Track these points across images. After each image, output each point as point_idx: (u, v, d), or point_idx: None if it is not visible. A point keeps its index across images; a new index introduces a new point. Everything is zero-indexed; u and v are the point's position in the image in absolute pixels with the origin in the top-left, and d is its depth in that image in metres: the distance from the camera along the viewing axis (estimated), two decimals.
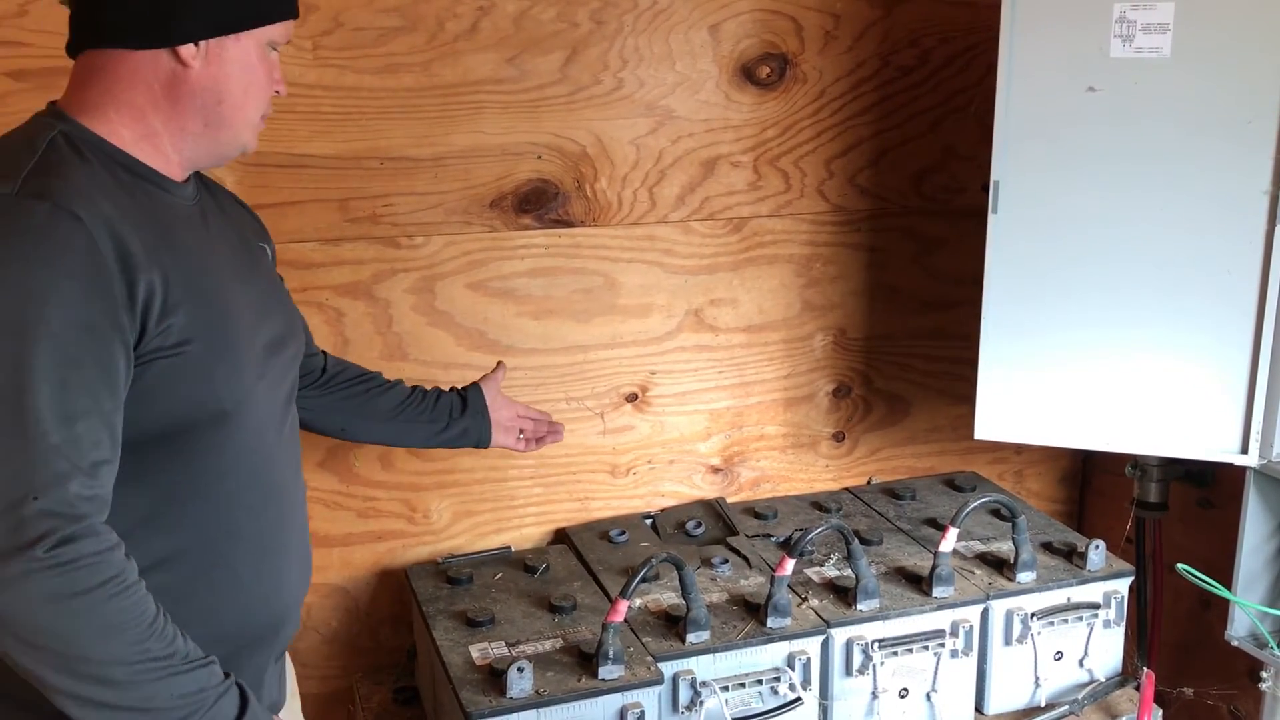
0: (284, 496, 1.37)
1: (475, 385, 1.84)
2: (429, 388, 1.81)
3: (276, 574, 1.35)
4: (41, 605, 1.07)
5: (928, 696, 1.85)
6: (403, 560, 2.09)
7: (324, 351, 1.75)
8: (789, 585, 1.79)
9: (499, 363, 1.91)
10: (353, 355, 1.97)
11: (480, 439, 1.81)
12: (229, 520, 1.28)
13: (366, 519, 2.06)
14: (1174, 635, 2.26)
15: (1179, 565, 1.83)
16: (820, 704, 1.80)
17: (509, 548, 2.08)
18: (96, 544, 1.11)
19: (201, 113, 1.25)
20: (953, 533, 1.85)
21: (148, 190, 1.24)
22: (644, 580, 1.70)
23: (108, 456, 1.13)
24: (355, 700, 2.02)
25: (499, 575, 1.95)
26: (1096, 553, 1.93)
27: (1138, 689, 1.94)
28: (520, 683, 1.58)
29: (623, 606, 1.63)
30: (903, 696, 1.84)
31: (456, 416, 1.79)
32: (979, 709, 1.91)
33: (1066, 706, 1.89)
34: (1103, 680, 1.94)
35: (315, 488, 2.02)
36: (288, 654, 1.51)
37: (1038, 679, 1.91)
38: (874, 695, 1.82)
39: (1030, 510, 2.16)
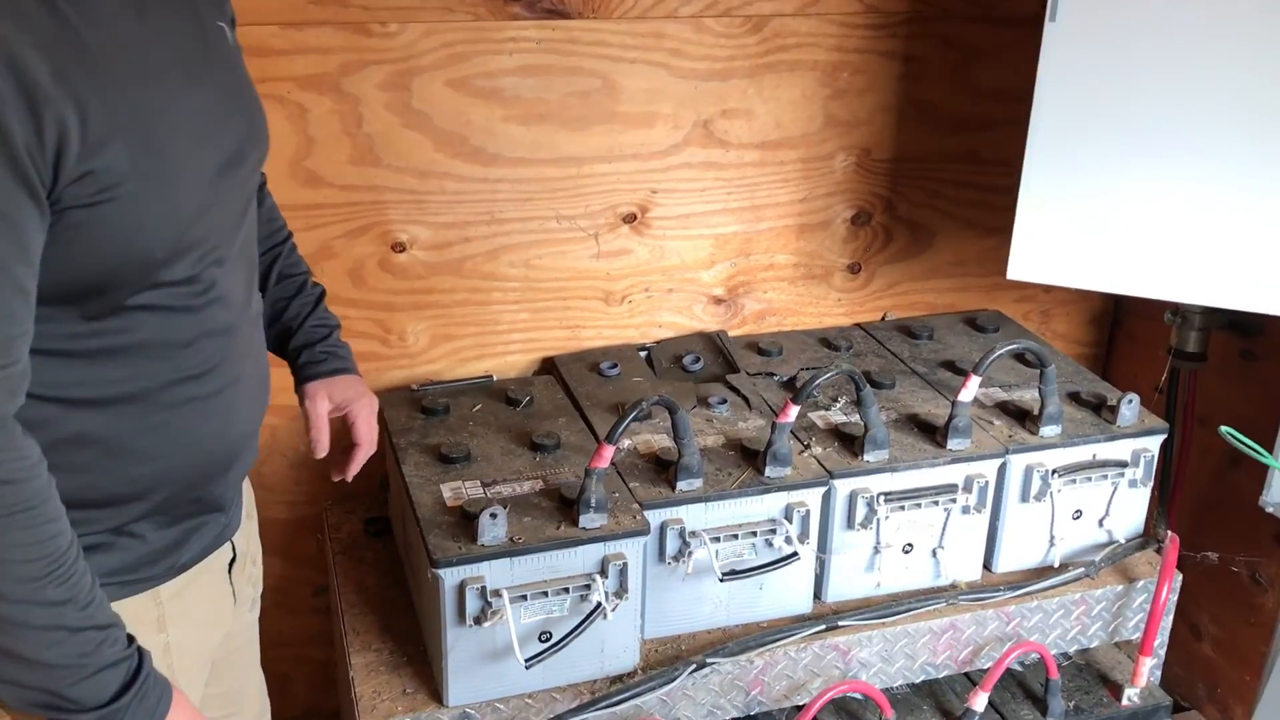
0: (235, 324, 1.18)
1: (305, 372, 1.44)
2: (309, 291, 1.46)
3: (228, 409, 1.18)
4: None
5: (933, 553, 1.73)
6: (376, 385, 1.94)
7: (262, 181, 1.43)
8: (791, 430, 1.63)
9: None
10: (318, 158, 1.77)
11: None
12: (172, 365, 1.10)
13: None
14: (1195, 493, 2.12)
15: (1222, 428, 1.66)
16: (817, 557, 1.68)
17: (490, 377, 1.92)
18: (16, 465, 0.95)
19: None
20: (974, 381, 1.68)
21: None
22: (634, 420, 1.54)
23: (23, 330, 0.96)
24: (324, 529, 1.90)
25: (478, 407, 1.80)
26: (1129, 407, 1.77)
27: (1158, 552, 1.82)
28: (493, 529, 1.45)
29: (607, 452, 1.48)
30: (906, 552, 1.72)
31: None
32: (987, 567, 1.79)
33: (1082, 569, 1.77)
34: (1122, 542, 1.81)
35: None
36: (247, 477, 1.37)
37: (1053, 538, 1.78)
38: (876, 550, 1.69)
39: (1059, 357, 1.99)
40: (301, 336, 1.43)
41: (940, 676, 1.75)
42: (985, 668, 1.74)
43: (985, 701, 1.70)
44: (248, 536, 1.36)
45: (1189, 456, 2.07)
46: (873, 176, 2.07)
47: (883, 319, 2.18)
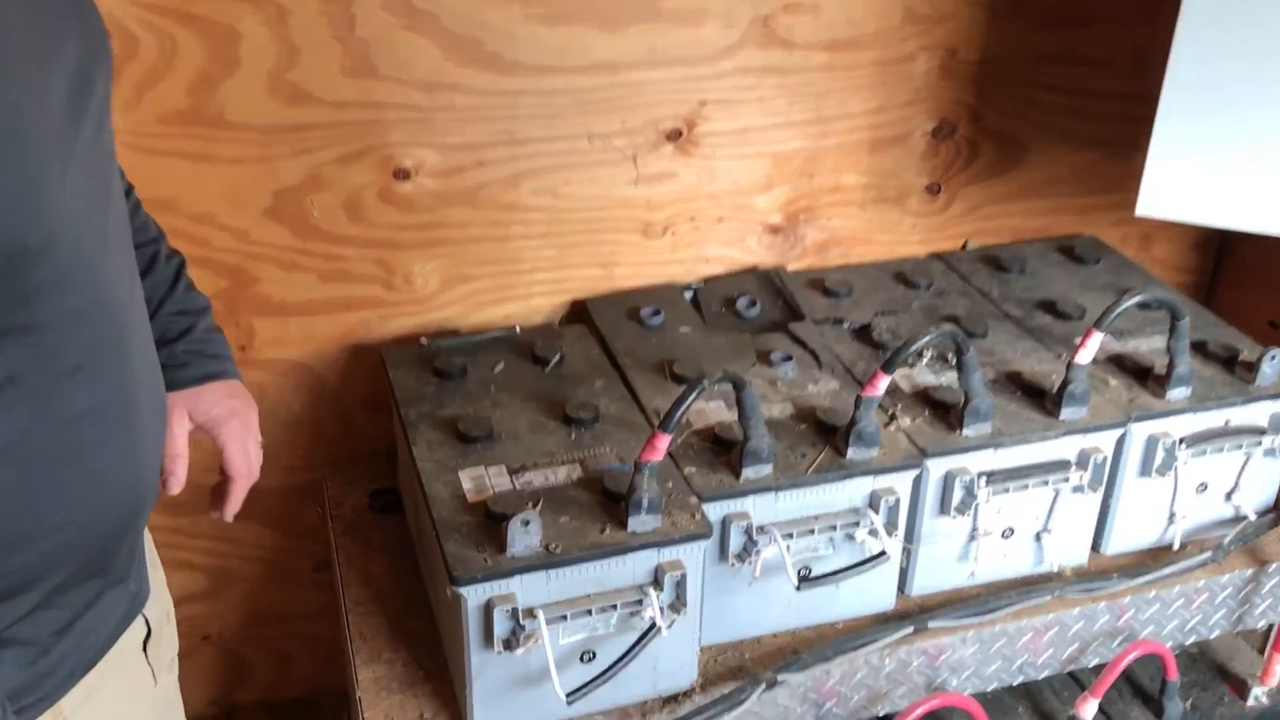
0: (124, 328, 0.89)
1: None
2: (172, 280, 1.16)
3: (133, 446, 0.90)
4: None
5: (1037, 536, 1.48)
6: (380, 334, 1.67)
7: None
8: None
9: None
10: (303, 69, 1.46)
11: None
12: (56, 405, 0.82)
13: (331, 283, 1.62)
14: None
15: None
16: (904, 547, 1.43)
17: (514, 328, 1.64)
18: None
19: None
20: (1095, 339, 1.40)
21: None
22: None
23: None
24: (325, 503, 1.66)
25: (499, 368, 1.53)
26: (1271, 365, 1.50)
27: None
28: (525, 538, 1.19)
29: (662, 443, 1.21)
30: (1006, 537, 1.47)
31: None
32: (1095, 548, 1.54)
33: (1208, 553, 1.51)
34: (1253, 518, 1.55)
35: (264, 243, 1.56)
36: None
37: (1172, 515, 1.53)
38: (971, 538, 1.44)
39: (1183, 301, 1.69)
40: (157, 328, 1.08)
41: (1040, 678, 1.51)
42: (1091, 665, 1.51)
43: (1095, 709, 1.47)
44: (157, 596, 1.06)
45: None
46: (958, 82, 1.76)
47: (963, 247, 1.89)
